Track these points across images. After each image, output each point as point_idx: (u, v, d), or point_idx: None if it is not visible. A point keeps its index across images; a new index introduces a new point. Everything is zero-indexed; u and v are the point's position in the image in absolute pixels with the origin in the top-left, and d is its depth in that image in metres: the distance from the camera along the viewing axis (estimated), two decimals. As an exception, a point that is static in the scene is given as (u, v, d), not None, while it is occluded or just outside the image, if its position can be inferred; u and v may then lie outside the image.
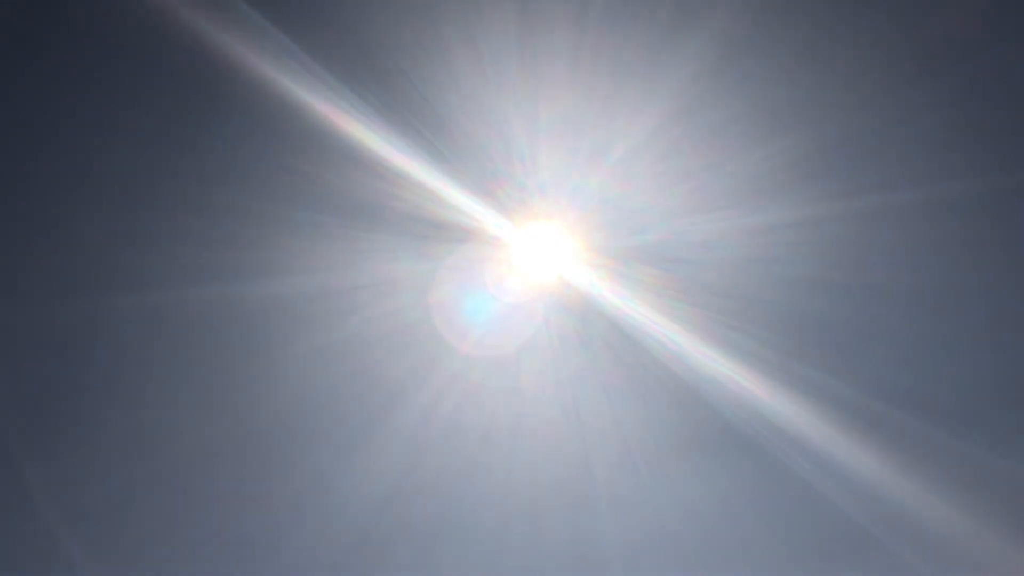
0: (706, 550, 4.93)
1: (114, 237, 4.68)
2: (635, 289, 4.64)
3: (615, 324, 4.69)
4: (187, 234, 4.68)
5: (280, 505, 4.97)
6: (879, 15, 4.26)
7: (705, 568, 4.92)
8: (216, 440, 4.86)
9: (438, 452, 4.92)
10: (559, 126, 4.43)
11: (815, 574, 4.84)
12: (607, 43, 4.28)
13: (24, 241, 4.78)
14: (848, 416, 4.64)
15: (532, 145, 4.45)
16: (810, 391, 4.62)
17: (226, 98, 4.46)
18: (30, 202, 4.77)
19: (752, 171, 4.41)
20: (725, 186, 4.46)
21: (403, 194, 4.49)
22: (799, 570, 4.85)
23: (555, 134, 4.44)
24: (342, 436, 4.90)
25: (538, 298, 4.81)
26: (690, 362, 4.66)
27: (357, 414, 4.88)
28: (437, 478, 4.94)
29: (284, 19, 4.29)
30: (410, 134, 4.39)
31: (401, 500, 4.94)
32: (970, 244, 4.48)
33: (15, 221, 4.78)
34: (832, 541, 4.83)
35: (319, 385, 4.84)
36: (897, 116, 4.32)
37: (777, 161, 4.38)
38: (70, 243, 4.72)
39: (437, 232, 4.60)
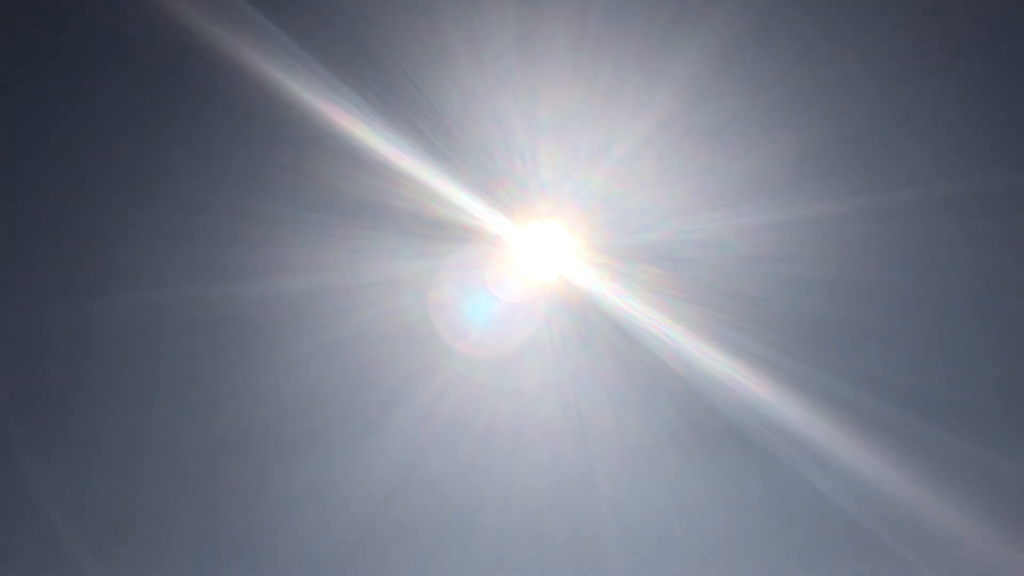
0: (707, 547, 4.94)
1: (116, 236, 4.68)
2: (636, 288, 4.64)
3: (616, 323, 4.70)
4: (188, 233, 4.67)
5: (282, 503, 4.98)
6: (879, 15, 4.26)
7: (706, 565, 4.93)
8: (217, 439, 4.87)
9: (439, 450, 4.93)
10: (560, 125, 4.42)
11: (815, 571, 4.84)
12: (608, 42, 4.27)
13: (23, 240, 4.77)
14: (848, 414, 4.65)
15: (533, 144, 4.45)
16: (810, 389, 4.63)
17: (227, 97, 4.46)
18: (29, 201, 4.76)
19: (752, 170, 4.42)
20: (725, 185, 4.46)
21: (404, 193, 4.49)
22: (799, 567, 4.86)
23: (556, 133, 4.43)
24: (343, 434, 4.91)
25: (539, 297, 4.82)
26: (691, 361, 4.67)
27: (359, 412, 4.89)
28: (438, 476, 4.95)
29: (285, 18, 4.28)
30: (411, 133, 4.39)
31: (402, 498, 4.95)
32: (970, 243, 4.48)
33: (13, 220, 4.77)
34: (832, 538, 4.85)
35: (320, 384, 4.84)
36: (897, 115, 4.33)
37: (777, 160, 4.38)
38: (73, 242, 4.72)
39: (438, 231, 4.60)
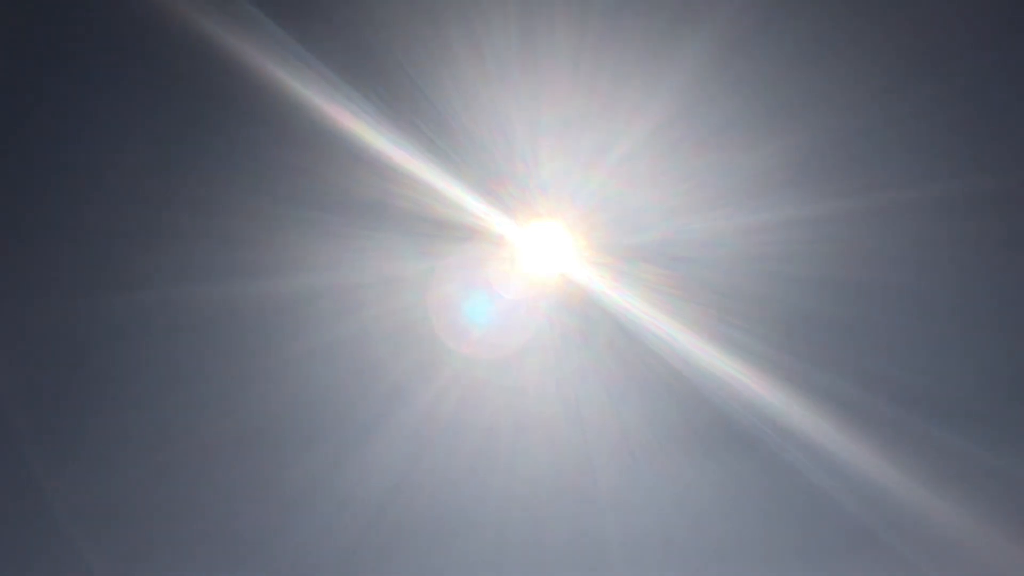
0: (708, 545, 4.96)
1: (119, 235, 4.69)
2: (637, 287, 4.65)
3: (617, 322, 4.71)
4: (190, 232, 4.68)
5: (285, 501, 4.99)
6: (880, 14, 4.28)
7: (706, 563, 4.94)
8: (221, 436, 4.87)
9: (441, 449, 4.94)
10: (561, 125, 4.43)
11: (815, 568, 4.85)
12: (609, 43, 4.29)
13: (32, 239, 4.79)
14: (848, 413, 4.66)
15: (534, 144, 4.46)
16: (810, 388, 4.64)
17: (230, 97, 4.46)
18: (32, 200, 4.77)
19: (753, 170, 4.43)
20: (726, 185, 4.48)
21: (407, 193, 4.50)
22: (798, 564, 4.87)
23: (557, 133, 4.45)
24: (346, 432, 4.92)
25: (540, 296, 4.82)
26: (691, 359, 4.68)
27: (361, 411, 4.90)
28: (440, 474, 4.96)
29: (289, 18, 4.29)
30: (414, 133, 4.40)
31: (404, 496, 4.96)
32: (971, 242, 4.49)
33: (20, 219, 4.79)
34: (833, 537, 4.85)
35: (323, 382, 4.85)
36: (898, 115, 4.33)
37: (778, 160, 4.40)
38: (80, 241, 4.73)
39: (440, 230, 4.61)
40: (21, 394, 4.82)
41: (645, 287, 4.64)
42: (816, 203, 4.45)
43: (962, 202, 4.42)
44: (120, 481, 4.94)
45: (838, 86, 4.34)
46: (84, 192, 4.68)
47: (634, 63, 4.31)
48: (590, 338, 4.80)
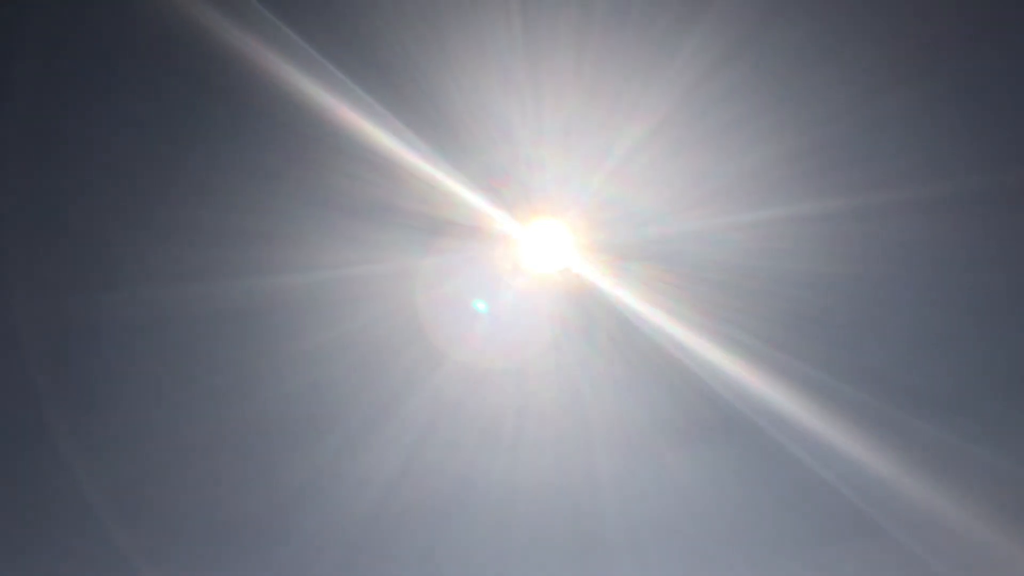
0: (705, 534, 5.01)
1: (128, 233, 4.73)
2: (637, 284, 4.69)
3: (617, 317, 4.74)
4: (197, 230, 4.72)
5: (292, 491, 5.04)
6: (880, 13, 4.30)
7: (705, 551, 5.00)
8: (233, 428, 4.93)
9: (445, 441, 4.99)
10: (563, 125, 4.45)
11: (812, 556, 4.91)
12: (610, 43, 4.30)
13: (45, 237, 4.82)
14: (844, 406, 4.70)
15: (537, 143, 4.49)
16: (810, 383, 4.69)
17: (237, 96, 4.47)
18: (34, 199, 4.79)
19: (752, 168, 4.44)
20: (726, 183, 4.49)
21: (412, 191, 4.53)
22: (796, 551, 4.93)
23: (559, 133, 4.46)
24: (352, 424, 4.97)
25: (543, 292, 4.87)
26: (691, 354, 4.72)
27: (366, 405, 4.95)
28: (443, 465, 5.01)
29: (295, 17, 4.29)
30: (419, 132, 4.42)
31: (409, 485, 5.01)
32: (971, 241, 4.52)
33: (21, 218, 4.81)
34: (829, 525, 4.91)
35: (329, 377, 4.90)
36: (898, 113, 4.35)
37: (777, 158, 4.41)
38: (95, 238, 4.77)
39: (444, 228, 4.64)
40: (41, 389, 4.86)
41: (645, 284, 4.68)
42: (814, 201, 4.48)
43: (959, 200, 4.43)
44: (134, 470, 5.00)
45: (836, 86, 4.35)
46: (102, 191, 4.71)
47: (635, 63, 4.32)
48: (591, 332, 4.84)
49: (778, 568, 4.97)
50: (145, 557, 5.00)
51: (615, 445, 4.96)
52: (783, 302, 4.66)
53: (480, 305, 4.89)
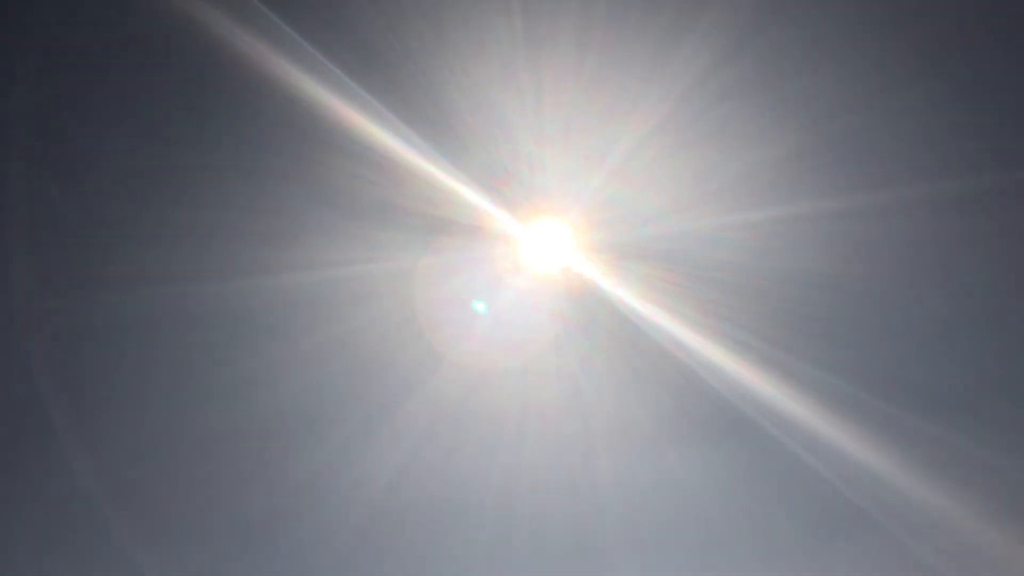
0: (707, 533, 5.02)
1: (128, 232, 4.73)
2: (638, 283, 4.69)
3: (618, 317, 4.75)
4: (197, 229, 4.72)
5: (293, 490, 5.05)
6: (877, 14, 4.30)
7: (706, 551, 5.01)
8: (234, 427, 4.93)
9: (445, 440, 4.99)
10: (564, 124, 4.45)
11: (813, 555, 4.92)
12: (611, 42, 4.30)
13: (35, 236, 4.82)
14: (844, 405, 4.71)
15: (538, 142, 4.49)
16: (811, 383, 4.69)
17: (237, 95, 4.48)
18: (34, 199, 4.79)
19: (756, 167, 4.45)
20: (729, 182, 4.49)
21: (412, 190, 4.53)
22: (796, 550, 4.93)
23: (560, 131, 4.46)
24: (352, 424, 4.97)
25: (544, 293, 4.87)
26: (692, 353, 4.72)
27: (368, 403, 4.95)
28: (444, 465, 5.01)
29: (295, 15, 4.30)
30: (418, 131, 4.42)
31: (410, 484, 5.01)
32: (971, 240, 4.52)
33: (21, 218, 4.81)
34: (830, 524, 4.91)
35: (330, 376, 4.91)
36: (899, 112, 4.35)
37: (780, 157, 4.42)
38: (97, 239, 4.77)
39: (444, 227, 4.64)
40: (40, 388, 4.86)
41: (647, 283, 4.68)
42: (815, 200, 4.48)
43: (961, 199, 4.44)
44: (134, 470, 5.00)
45: (837, 85, 4.35)
46: (102, 192, 4.71)
47: (636, 62, 4.33)
48: (592, 332, 4.85)
49: (779, 567, 4.97)
50: (145, 556, 4.99)
51: (616, 444, 4.96)
52: (785, 301, 4.67)
53: (480, 305, 4.89)
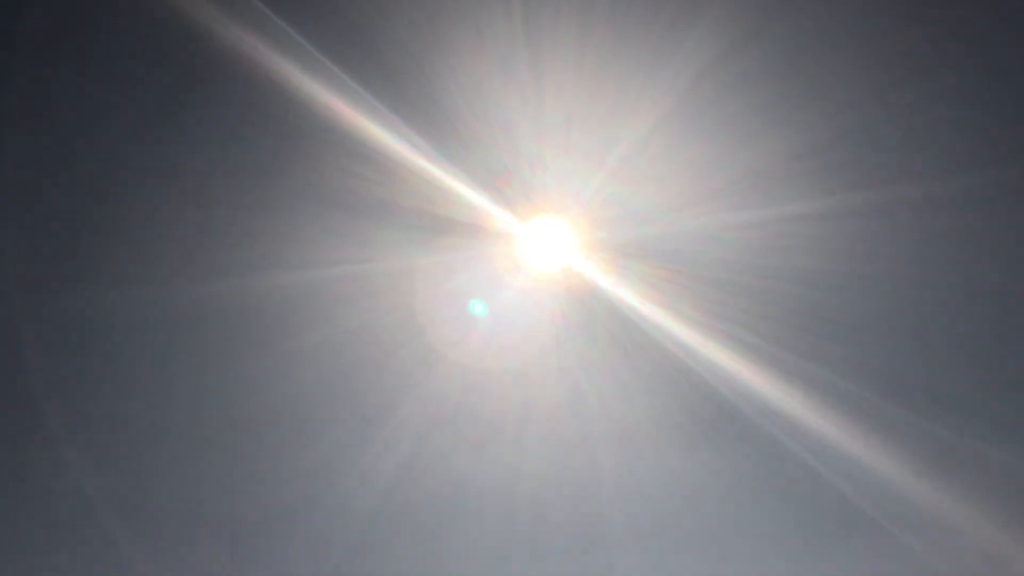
0: (709, 533, 5.02)
1: (128, 232, 4.73)
2: (639, 282, 4.69)
3: (619, 315, 4.75)
4: (196, 228, 4.73)
5: (293, 489, 5.05)
6: (878, 12, 4.30)
7: (705, 549, 5.01)
8: (235, 425, 4.94)
9: (445, 438, 5.00)
10: (564, 123, 4.46)
11: (813, 553, 4.92)
12: (611, 41, 4.31)
13: (35, 236, 4.82)
14: (845, 404, 4.71)
15: (538, 141, 4.49)
16: (812, 381, 4.69)
17: (237, 94, 4.49)
18: (33, 198, 4.79)
19: (756, 166, 4.45)
20: (727, 181, 4.50)
21: (412, 189, 4.54)
22: (797, 549, 4.93)
23: (560, 131, 4.47)
24: (353, 422, 4.98)
25: (544, 292, 4.87)
26: (692, 352, 4.72)
27: (367, 401, 4.95)
28: (444, 463, 5.02)
29: (294, 14, 4.30)
30: (420, 130, 4.43)
31: (409, 484, 5.02)
32: (973, 238, 4.52)
33: (21, 218, 4.81)
34: (829, 522, 4.92)
35: (329, 374, 4.91)
36: (900, 111, 4.35)
37: (781, 156, 4.42)
38: (95, 237, 4.77)
39: (445, 226, 4.64)
40: (40, 388, 4.87)
41: (647, 282, 4.68)
42: (816, 199, 4.48)
43: (963, 198, 4.44)
44: (133, 469, 5.01)
45: (837, 83, 4.36)
46: (102, 191, 4.71)
47: (636, 61, 4.33)
48: (592, 330, 4.85)
49: (780, 566, 4.98)
50: (144, 556, 5.00)
51: (616, 443, 4.96)
52: (785, 300, 4.67)
53: (479, 305, 4.89)
